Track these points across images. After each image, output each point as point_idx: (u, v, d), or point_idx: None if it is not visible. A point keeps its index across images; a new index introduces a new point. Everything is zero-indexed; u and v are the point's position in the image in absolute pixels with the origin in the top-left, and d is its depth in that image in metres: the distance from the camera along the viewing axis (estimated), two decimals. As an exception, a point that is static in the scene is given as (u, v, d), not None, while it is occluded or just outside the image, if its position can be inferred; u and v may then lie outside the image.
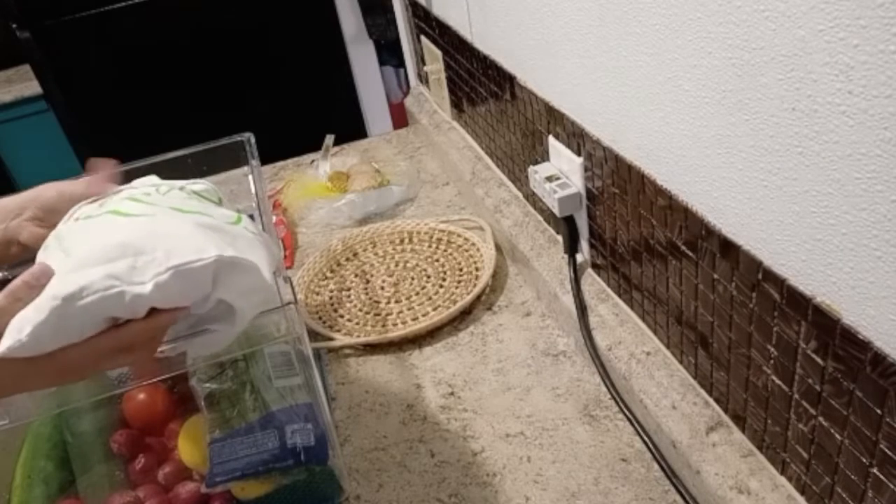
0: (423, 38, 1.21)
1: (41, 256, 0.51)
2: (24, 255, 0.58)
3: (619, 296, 0.72)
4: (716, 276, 0.52)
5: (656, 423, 0.63)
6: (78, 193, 0.57)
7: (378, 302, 0.91)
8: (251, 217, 0.75)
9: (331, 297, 0.94)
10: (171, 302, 0.48)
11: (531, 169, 0.77)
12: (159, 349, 0.51)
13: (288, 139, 1.48)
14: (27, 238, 0.57)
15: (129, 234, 0.48)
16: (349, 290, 0.95)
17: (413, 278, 0.95)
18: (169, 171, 0.60)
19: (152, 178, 0.60)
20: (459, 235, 1.00)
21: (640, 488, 0.63)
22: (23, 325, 0.44)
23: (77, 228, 0.51)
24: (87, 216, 0.52)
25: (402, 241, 1.03)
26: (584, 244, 0.76)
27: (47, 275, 0.46)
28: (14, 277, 0.47)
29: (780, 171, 0.42)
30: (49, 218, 0.57)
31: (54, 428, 0.66)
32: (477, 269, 0.93)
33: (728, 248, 0.49)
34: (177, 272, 0.47)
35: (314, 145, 1.26)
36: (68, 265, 0.46)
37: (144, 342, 0.49)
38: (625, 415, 0.68)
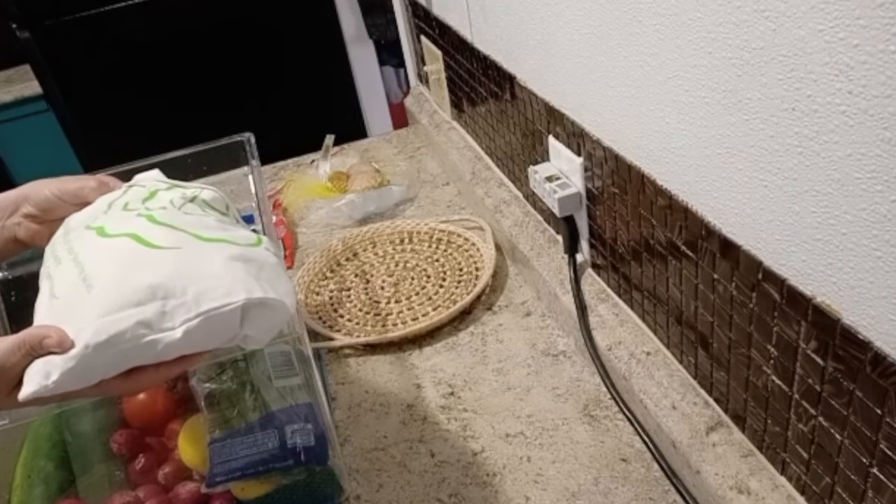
0: (423, 38, 1.21)
1: (51, 269, 0.49)
2: (21, 251, 0.58)
3: (619, 296, 0.72)
4: (716, 276, 0.52)
5: (656, 423, 0.63)
6: (72, 190, 0.56)
7: (378, 302, 0.91)
8: (251, 217, 0.75)
9: (331, 297, 0.94)
10: (197, 346, 0.47)
11: (531, 169, 0.77)
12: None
13: (288, 139, 1.48)
14: (25, 235, 0.57)
15: (157, 274, 0.47)
16: (349, 290, 0.95)
17: (413, 278, 0.95)
18: (169, 171, 0.60)
19: (156, 173, 0.59)
20: (459, 235, 1.00)
21: (640, 488, 0.63)
22: (49, 370, 0.43)
23: (93, 246, 0.49)
24: (98, 226, 0.51)
25: (402, 241, 1.03)
26: (584, 244, 0.76)
27: (65, 346, 0.44)
28: (13, 276, 0.46)
29: (780, 171, 0.42)
30: (45, 215, 0.56)
31: (54, 428, 0.66)
32: (477, 269, 0.93)
33: (728, 248, 0.49)
34: (206, 318, 0.46)
35: (314, 145, 1.26)
36: (95, 305, 0.45)
37: (153, 386, 0.49)
38: (625, 415, 0.68)
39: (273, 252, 0.53)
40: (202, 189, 0.57)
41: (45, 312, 0.46)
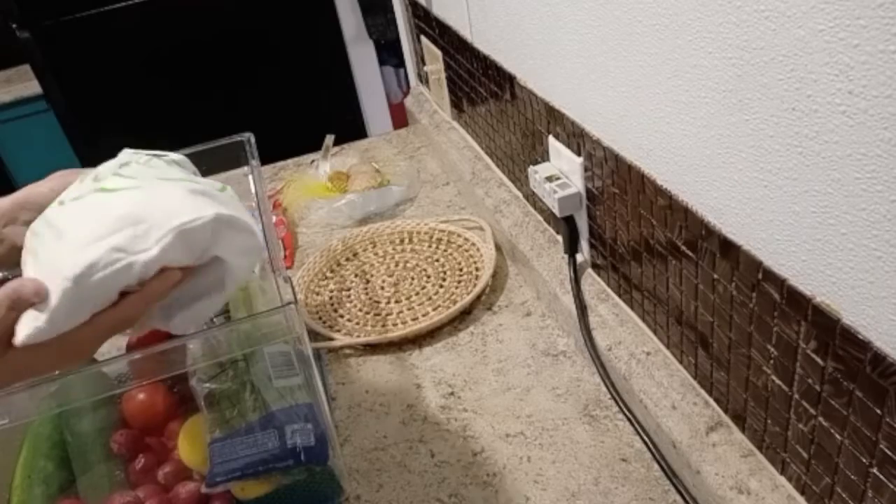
0: (423, 38, 1.21)
1: (32, 243, 0.50)
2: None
3: (619, 296, 0.72)
4: (716, 276, 0.52)
5: (656, 423, 0.63)
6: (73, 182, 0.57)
7: (378, 302, 0.91)
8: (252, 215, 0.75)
9: (331, 297, 0.94)
10: (175, 263, 0.49)
11: (531, 169, 0.77)
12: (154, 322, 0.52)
13: (288, 139, 1.48)
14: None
15: (124, 206, 0.49)
16: (349, 290, 0.95)
17: (413, 278, 0.95)
18: (169, 171, 0.60)
19: (126, 152, 0.60)
20: (459, 235, 1.00)
21: (640, 488, 0.63)
22: (38, 313, 0.45)
23: (66, 211, 0.51)
24: (73, 198, 0.52)
25: (402, 241, 1.03)
26: (584, 244, 0.76)
27: (42, 293, 0.45)
28: (13, 278, 0.47)
29: (780, 171, 0.42)
30: None
31: (54, 428, 0.66)
32: (477, 269, 0.93)
33: (728, 248, 0.49)
34: (180, 232, 0.48)
35: (314, 145, 1.26)
36: (69, 246, 0.47)
37: (144, 309, 0.49)
38: (625, 415, 0.68)
39: (237, 200, 0.55)
40: (168, 154, 0.59)
41: (31, 274, 0.48)
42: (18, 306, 0.45)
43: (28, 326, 0.45)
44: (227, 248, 0.52)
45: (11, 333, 0.45)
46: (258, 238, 0.54)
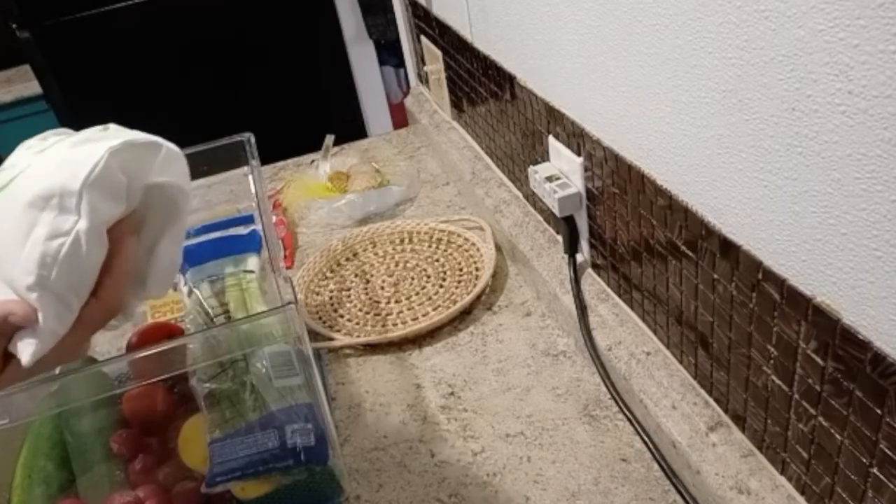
0: (423, 38, 1.21)
1: None
2: None
3: (619, 296, 0.72)
4: (716, 276, 0.52)
5: (656, 423, 0.63)
6: None
7: (378, 302, 0.91)
8: (251, 217, 0.75)
9: (331, 297, 0.94)
10: (112, 216, 0.45)
11: (531, 169, 0.77)
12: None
13: (288, 139, 1.48)
14: None
15: (24, 194, 0.45)
16: (349, 290, 0.95)
17: (413, 278, 0.95)
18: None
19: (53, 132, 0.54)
20: (459, 235, 1.00)
21: (640, 488, 0.63)
22: (30, 330, 0.43)
23: None
24: None
25: (402, 241, 1.03)
26: (584, 244, 0.76)
27: (31, 318, 0.43)
28: None
29: (780, 171, 0.42)
30: None
31: (54, 428, 0.66)
32: (477, 269, 0.93)
33: (728, 248, 0.49)
34: (90, 187, 0.44)
35: (314, 145, 1.26)
36: (7, 260, 0.44)
37: (122, 285, 0.47)
38: (625, 415, 0.68)
39: (123, 129, 0.51)
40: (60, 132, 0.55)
41: None
42: (7, 332, 0.43)
43: (29, 345, 0.43)
44: (145, 171, 0.48)
45: (3, 354, 0.43)
46: (165, 143, 0.49)
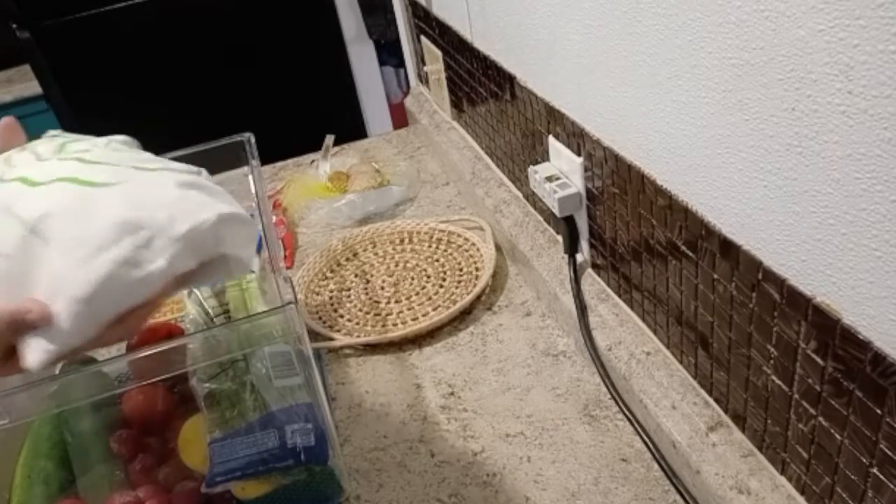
0: (423, 38, 1.21)
1: None
2: None
3: (619, 296, 0.72)
4: (716, 276, 0.52)
5: (656, 423, 0.63)
6: None
7: (378, 302, 0.91)
8: (252, 215, 0.75)
9: (331, 297, 0.94)
10: (183, 269, 0.46)
11: (531, 169, 0.77)
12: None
13: (288, 139, 1.48)
14: None
15: (117, 209, 0.45)
16: (349, 290, 0.95)
17: (413, 278, 0.95)
18: (169, 171, 0.60)
19: (56, 132, 0.54)
20: (459, 235, 1.00)
21: (640, 488, 0.63)
22: (47, 337, 0.42)
23: (25, 196, 0.45)
24: (21, 176, 0.47)
25: (402, 241, 1.03)
26: (584, 244, 0.76)
27: (47, 320, 0.42)
28: None
29: (780, 171, 0.42)
30: None
31: (54, 428, 0.66)
32: (477, 269, 0.93)
33: (728, 248, 0.49)
34: (187, 240, 0.45)
35: (314, 145, 1.26)
36: (64, 259, 0.43)
37: (148, 318, 0.47)
38: (625, 415, 0.68)
39: (211, 181, 0.53)
40: (113, 136, 0.55)
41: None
42: (21, 329, 0.42)
43: (38, 351, 0.42)
44: (231, 244, 0.49)
45: (9, 351, 0.43)
46: (255, 225, 0.52)
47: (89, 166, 0.47)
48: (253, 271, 0.77)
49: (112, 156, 0.50)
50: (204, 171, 0.53)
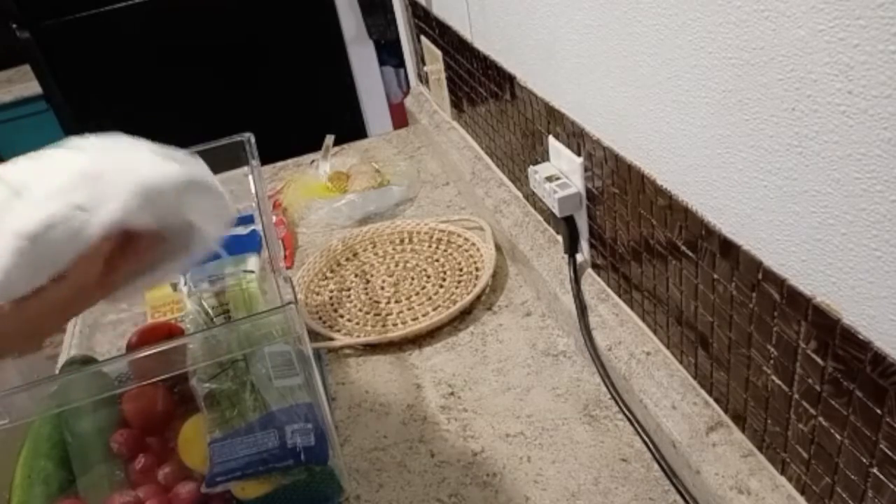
0: (423, 38, 1.21)
1: None
2: None
3: (619, 296, 0.72)
4: (716, 276, 0.52)
5: (656, 423, 0.63)
6: None
7: (378, 302, 0.91)
8: (251, 217, 0.75)
9: (331, 297, 0.94)
10: (138, 225, 0.46)
11: (531, 169, 0.77)
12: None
13: (288, 139, 1.48)
14: None
15: (84, 162, 0.45)
16: (349, 290, 0.95)
17: (413, 278, 0.95)
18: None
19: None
20: (459, 235, 1.00)
21: (640, 488, 0.63)
22: None
23: (21, 167, 0.47)
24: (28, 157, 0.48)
25: (402, 241, 1.03)
26: (584, 244, 0.76)
27: None
28: None
29: (780, 171, 0.42)
30: None
31: (54, 428, 0.66)
32: (477, 269, 0.93)
33: (728, 248, 0.49)
34: (143, 191, 0.45)
35: (314, 145, 1.26)
36: (25, 202, 0.43)
37: (96, 275, 0.46)
38: (625, 415, 0.68)
39: (203, 163, 0.53)
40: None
41: None
42: None
43: None
44: (197, 212, 0.49)
45: None
46: (228, 201, 0.51)
47: (81, 140, 0.48)
48: (254, 272, 0.77)
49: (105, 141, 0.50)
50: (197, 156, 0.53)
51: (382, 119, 2.42)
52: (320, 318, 0.90)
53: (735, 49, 0.42)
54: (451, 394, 0.76)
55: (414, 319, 0.87)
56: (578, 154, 0.70)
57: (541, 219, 0.88)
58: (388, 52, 2.30)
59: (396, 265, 0.98)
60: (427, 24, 1.15)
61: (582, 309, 0.75)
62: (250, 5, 2.06)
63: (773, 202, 0.43)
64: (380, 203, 1.11)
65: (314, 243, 1.08)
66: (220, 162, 0.73)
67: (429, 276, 0.94)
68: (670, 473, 0.62)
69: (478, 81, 0.97)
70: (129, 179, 0.45)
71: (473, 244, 0.98)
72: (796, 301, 0.44)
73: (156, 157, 0.48)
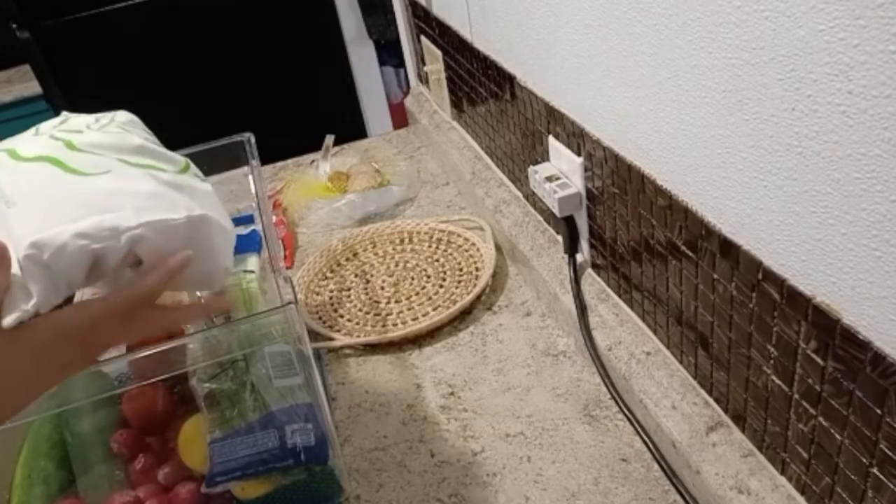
0: (423, 38, 1.21)
1: None
2: None
3: (619, 296, 0.72)
4: (716, 276, 0.52)
5: (656, 423, 0.63)
6: None
7: (378, 302, 0.91)
8: (251, 217, 0.75)
9: (331, 297, 0.94)
10: (148, 253, 0.47)
11: (531, 169, 0.77)
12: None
13: (288, 139, 1.48)
14: None
15: (90, 194, 0.47)
16: (349, 290, 0.95)
17: (413, 278, 0.95)
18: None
19: (65, 114, 0.57)
20: (459, 235, 1.00)
21: (640, 488, 0.63)
22: (19, 298, 0.43)
23: (6, 167, 0.48)
24: (9, 148, 0.49)
25: (402, 241, 1.03)
26: (584, 244, 0.76)
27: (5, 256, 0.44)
28: None
29: (780, 171, 0.42)
30: None
31: (54, 428, 0.66)
32: (477, 269, 0.93)
33: (728, 248, 0.49)
34: (150, 228, 0.47)
35: (314, 145, 1.26)
36: (25, 223, 0.45)
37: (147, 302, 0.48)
38: (625, 415, 0.68)
39: (202, 178, 0.54)
40: (116, 113, 0.57)
41: None
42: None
43: (15, 308, 0.43)
44: (203, 247, 0.50)
45: None
46: (231, 233, 0.52)
47: (75, 153, 0.49)
48: (254, 272, 0.77)
49: (104, 140, 0.51)
50: (193, 166, 0.54)
51: (382, 119, 2.41)
52: (320, 318, 0.90)
53: (735, 49, 0.42)
54: (451, 394, 0.76)
55: (414, 319, 0.87)
56: (578, 154, 0.70)
57: (541, 219, 0.88)
58: (388, 52, 2.30)
59: (396, 265, 0.98)
60: (427, 24, 1.15)
61: (582, 309, 0.75)
62: (250, 5, 2.06)
63: (773, 202, 0.43)
64: (380, 203, 1.11)
65: (314, 243, 1.08)
66: (220, 162, 0.74)
67: (429, 276, 0.94)
68: (670, 473, 0.62)
69: (478, 81, 0.97)
70: (136, 219, 0.47)
71: (473, 244, 0.98)
72: (796, 301, 0.44)
73: (163, 194, 0.49)
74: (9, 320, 0.43)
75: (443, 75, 1.14)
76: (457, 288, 0.91)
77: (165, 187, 0.50)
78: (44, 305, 0.45)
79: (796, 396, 0.47)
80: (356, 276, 0.98)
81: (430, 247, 1.01)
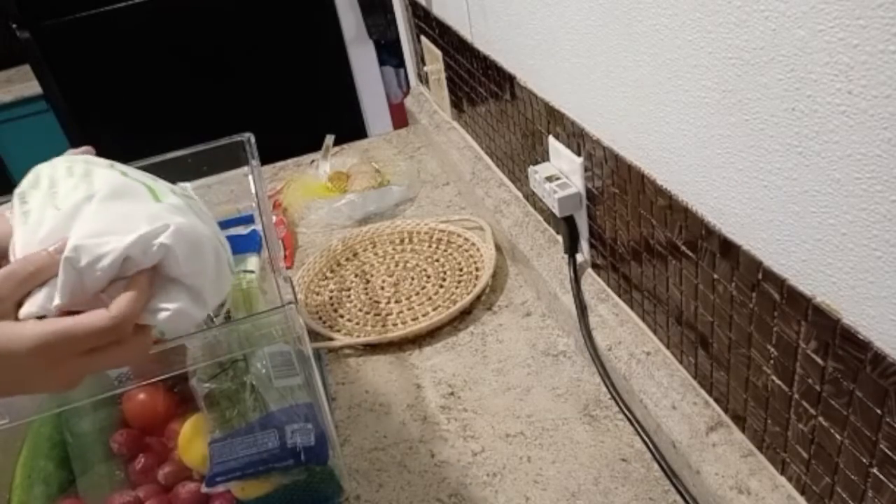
0: (423, 38, 1.21)
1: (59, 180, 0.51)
2: None
3: (619, 296, 0.72)
4: (716, 276, 0.52)
5: (656, 423, 0.63)
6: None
7: (378, 302, 0.91)
8: (251, 217, 0.75)
9: (331, 297, 0.94)
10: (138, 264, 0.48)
11: (531, 169, 0.77)
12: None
13: (288, 139, 1.48)
14: None
15: (156, 217, 0.49)
16: (349, 290, 0.95)
17: (413, 278, 0.95)
18: (169, 171, 0.60)
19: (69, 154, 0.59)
20: (459, 235, 1.00)
21: (640, 488, 0.63)
22: (51, 293, 0.45)
23: (109, 176, 0.52)
24: (121, 171, 0.53)
25: (402, 241, 1.03)
26: (584, 244, 0.76)
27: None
28: None
29: (780, 171, 0.42)
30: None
31: (54, 428, 0.66)
32: (477, 269, 0.93)
33: (728, 248, 0.49)
34: (137, 242, 0.47)
35: (314, 145, 1.26)
36: (86, 226, 0.47)
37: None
38: (625, 415, 0.68)
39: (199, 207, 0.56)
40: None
41: (51, 224, 0.47)
42: (28, 285, 0.44)
43: (37, 305, 0.45)
44: (183, 262, 0.50)
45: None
46: (224, 252, 0.53)
47: (164, 185, 0.54)
48: (254, 272, 0.77)
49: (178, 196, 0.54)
50: (189, 189, 0.57)
51: (382, 119, 2.42)
52: (320, 318, 0.90)
53: (735, 49, 0.42)
54: (451, 394, 0.76)
55: (414, 319, 0.87)
56: (578, 154, 0.70)
57: (541, 219, 0.88)
58: (388, 52, 2.30)
59: (396, 265, 0.98)
60: (427, 24, 1.15)
61: (582, 309, 0.75)
62: (250, 5, 2.06)
63: (773, 202, 0.43)
64: (380, 203, 1.11)
65: (314, 243, 1.08)
66: (220, 162, 0.74)
67: (429, 276, 0.94)
68: (670, 473, 0.62)
69: (478, 81, 0.97)
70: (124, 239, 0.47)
71: (473, 244, 0.98)
72: (796, 301, 0.44)
73: (159, 213, 0.50)
74: (25, 311, 0.44)
75: (443, 75, 1.14)
76: (457, 288, 0.91)
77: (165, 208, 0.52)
78: (66, 308, 0.45)
79: (796, 396, 0.47)
80: (356, 276, 0.98)
81: (430, 247, 1.01)
